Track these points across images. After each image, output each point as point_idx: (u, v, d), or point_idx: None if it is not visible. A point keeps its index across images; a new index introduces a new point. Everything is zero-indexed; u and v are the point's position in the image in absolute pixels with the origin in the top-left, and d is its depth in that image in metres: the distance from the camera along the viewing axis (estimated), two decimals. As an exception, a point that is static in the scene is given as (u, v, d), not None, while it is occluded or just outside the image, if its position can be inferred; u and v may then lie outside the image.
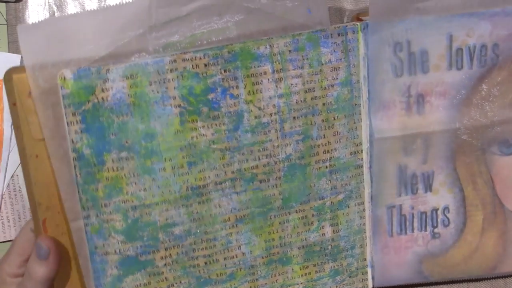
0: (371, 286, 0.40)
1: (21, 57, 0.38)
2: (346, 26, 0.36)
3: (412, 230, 0.39)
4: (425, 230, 0.39)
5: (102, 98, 0.32)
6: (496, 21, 0.36)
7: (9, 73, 0.32)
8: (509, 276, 0.42)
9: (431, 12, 0.35)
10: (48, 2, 0.42)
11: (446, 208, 0.39)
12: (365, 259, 0.39)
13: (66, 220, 0.34)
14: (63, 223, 0.34)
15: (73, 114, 0.33)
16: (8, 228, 0.42)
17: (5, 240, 0.42)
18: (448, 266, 0.40)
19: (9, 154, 0.43)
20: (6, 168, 0.42)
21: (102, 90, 0.32)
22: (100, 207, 0.33)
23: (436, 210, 0.39)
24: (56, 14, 0.41)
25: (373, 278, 0.39)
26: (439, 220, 0.39)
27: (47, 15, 0.41)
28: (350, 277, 0.39)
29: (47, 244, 0.34)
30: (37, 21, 0.32)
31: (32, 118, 0.32)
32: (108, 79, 0.32)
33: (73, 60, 0.32)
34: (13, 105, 0.32)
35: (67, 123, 0.32)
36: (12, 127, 0.34)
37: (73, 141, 0.32)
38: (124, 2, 0.33)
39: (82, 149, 0.32)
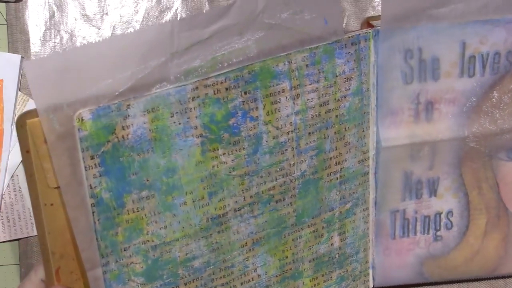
0: (372, 286, 0.62)
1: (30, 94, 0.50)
2: (359, 34, 0.53)
3: (415, 233, 0.60)
4: (428, 233, 0.60)
5: (123, 137, 0.46)
6: (510, 29, 0.55)
7: (23, 118, 0.43)
8: (509, 276, 0.66)
9: (444, 19, 0.53)
10: (48, 2, 0.58)
11: (450, 212, 0.60)
12: (367, 262, 0.61)
13: (81, 266, 0.47)
14: (77, 270, 0.48)
15: (91, 158, 0.45)
16: (8, 228, 0.60)
17: (5, 240, 0.60)
18: (449, 268, 0.61)
19: (9, 154, 0.64)
20: (6, 168, 0.63)
21: (123, 128, 0.46)
22: (120, 252, 0.48)
23: (440, 214, 0.60)
24: (56, 15, 0.52)
25: (373, 278, 0.61)
26: (442, 223, 0.60)
27: (47, 15, 0.52)
28: (354, 281, 0.61)
29: None
30: (45, 55, 0.46)
31: (47, 165, 0.44)
32: (128, 115, 0.46)
33: (91, 98, 0.44)
34: (26, 152, 0.44)
35: (85, 167, 0.45)
36: (25, 174, 0.48)
37: (91, 187, 0.46)
38: (144, 28, 0.49)
39: (101, 193, 0.46)
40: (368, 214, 0.59)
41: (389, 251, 0.62)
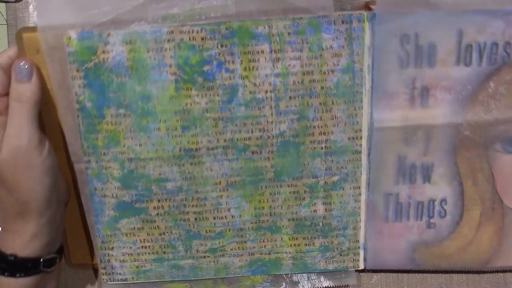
0: (363, 267, 0.64)
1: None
2: (351, 14, 0.55)
3: (408, 218, 0.61)
4: (421, 220, 0.62)
5: (103, 59, 0.56)
6: (509, 20, 0.54)
7: (20, 33, 0.56)
8: (504, 271, 0.66)
9: (442, 7, 0.53)
10: None
11: (443, 200, 0.61)
12: (357, 241, 0.63)
13: (70, 163, 0.61)
14: (67, 166, 0.62)
15: (77, 70, 0.56)
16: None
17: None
18: (441, 256, 0.63)
19: None
20: None
21: (103, 52, 0.55)
22: (100, 155, 0.59)
23: (434, 201, 0.61)
24: None
25: (365, 260, 0.63)
26: (435, 210, 0.61)
27: None
28: (340, 255, 0.63)
29: (29, 63, 0.55)
30: None
31: (40, 72, 0.57)
32: (109, 42, 0.55)
33: (78, 23, 0.55)
34: None
35: (72, 77, 0.56)
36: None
37: (76, 94, 0.57)
38: None
39: (84, 101, 0.57)
40: (360, 194, 0.62)
41: (382, 235, 0.63)
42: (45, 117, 0.60)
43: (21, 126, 0.55)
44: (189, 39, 0.55)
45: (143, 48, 0.56)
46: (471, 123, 0.59)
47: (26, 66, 0.56)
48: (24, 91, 0.56)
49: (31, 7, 0.66)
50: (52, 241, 0.60)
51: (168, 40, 0.55)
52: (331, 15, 0.56)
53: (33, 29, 0.57)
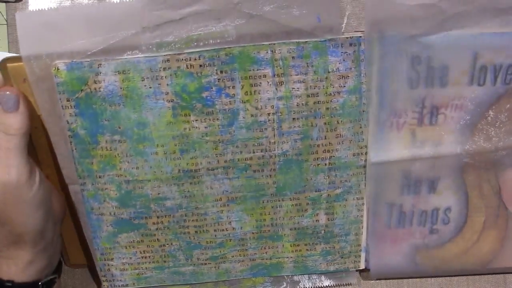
0: (363, 267, 0.65)
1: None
2: (360, 37, 0.52)
3: (411, 225, 0.62)
4: (424, 226, 0.62)
5: (95, 89, 0.53)
6: None
7: (4, 63, 0.53)
8: (504, 272, 0.67)
9: (457, 28, 0.52)
10: (48, 2, 0.60)
11: (448, 209, 0.61)
12: (359, 245, 0.63)
13: (64, 183, 0.59)
14: (59, 185, 0.60)
15: (67, 100, 0.53)
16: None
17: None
18: (443, 259, 0.63)
19: None
20: None
21: (95, 82, 0.52)
22: (95, 178, 0.57)
23: (438, 210, 0.61)
24: None
25: (366, 260, 0.64)
26: (439, 218, 0.61)
27: None
28: (342, 257, 0.64)
29: (15, 92, 0.52)
30: (35, 9, 0.56)
31: (27, 100, 0.54)
32: (100, 73, 0.52)
33: (67, 53, 0.52)
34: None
35: (62, 106, 0.53)
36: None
37: (68, 122, 0.54)
38: (117, 1, 0.56)
39: (76, 129, 0.54)
40: (363, 204, 0.61)
41: (384, 239, 0.64)
42: (36, 141, 0.58)
43: (9, 162, 0.53)
44: (187, 66, 0.53)
45: (137, 77, 0.53)
46: (481, 141, 0.59)
47: (12, 96, 0.53)
48: (11, 123, 0.53)
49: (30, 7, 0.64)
50: (49, 264, 0.59)
51: (164, 69, 0.53)
52: (339, 38, 0.53)
53: (18, 58, 0.54)
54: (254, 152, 0.57)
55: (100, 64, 0.53)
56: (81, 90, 0.53)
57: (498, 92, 0.57)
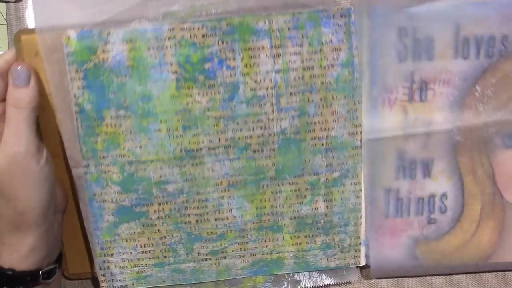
0: (364, 263, 0.65)
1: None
2: (350, 8, 0.56)
3: (408, 214, 0.63)
4: (422, 215, 0.63)
5: (103, 59, 0.56)
6: (506, 13, 0.56)
7: (18, 35, 0.57)
8: (504, 270, 0.67)
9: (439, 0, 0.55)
10: None
11: (444, 195, 0.62)
12: (358, 237, 0.64)
13: (68, 169, 0.61)
14: (64, 172, 0.62)
15: (76, 71, 0.56)
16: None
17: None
18: (443, 252, 0.64)
19: None
20: None
21: (103, 51, 0.56)
22: (99, 159, 0.59)
23: (434, 196, 0.62)
24: None
25: (366, 256, 0.64)
26: (436, 206, 0.62)
27: None
28: (342, 252, 0.64)
29: (27, 67, 0.54)
30: None
31: (38, 75, 0.57)
32: (109, 42, 0.56)
33: (77, 23, 0.55)
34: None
35: (70, 79, 0.56)
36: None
37: (75, 96, 0.57)
38: None
39: (83, 104, 0.57)
40: (360, 189, 0.63)
41: (383, 230, 0.64)
42: (43, 123, 0.60)
43: (18, 133, 0.55)
44: (190, 36, 0.56)
45: (143, 46, 0.57)
46: (471, 117, 0.61)
47: (24, 71, 0.56)
48: (22, 96, 0.55)
49: (30, 7, 0.66)
50: (50, 253, 0.60)
51: (169, 38, 0.56)
52: (330, 9, 0.57)
53: (32, 31, 0.58)
54: (253, 130, 0.59)
55: (109, 32, 0.56)
56: (90, 60, 0.57)
57: (483, 66, 0.60)
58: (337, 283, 0.68)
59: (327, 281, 0.68)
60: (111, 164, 0.60)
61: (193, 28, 0.56)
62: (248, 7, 0.56)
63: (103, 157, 0.59)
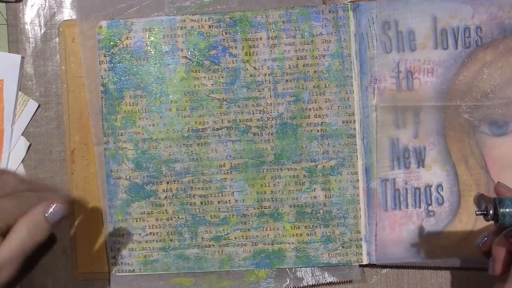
0: (367, 262, 0.67)
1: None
2: (337, 5, 0.64)
3: (407, 205, 0.65)
4: (419, 207, 0.65)
5: (126, 44, 0.66)
6: (477, 5, 0.61)
7: (61, 25, 0.68)
8: None
9: None
10: (48, 2, 0.71)
11: (439, 186, 0.65)
12: (359, 232, 0.67)
13: (91, 151, 0.70)
14: (88, 154, 0.70)
15: (104, 55, 0.66)
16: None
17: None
18: (444, 247, 0.65)
19: (9, 154, 0.72)
20: (6, 167, 0.70)
21: (127, 38, 0.66)
22: (117, 135, 0.67)
23: (430, 186, 0.65)
24: (57, 15, 0.72)
25: (368, 254, 0.67)
26: (433, 197, 0.65)
27: (48, 16, 0.72)
28: (343, 247, 0.67)
29: (63, 211, 0.51)
30: None
31: (73, 59, 0.68)
32: (132, 29, 0.66)
33: (109, 14, 0.66)
34: (62, 49, 0.69)
35: (100, 62, 0.66)
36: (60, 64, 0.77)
37: (102, 77, 0.67)
38: None
39: (108, 84, 0.67)
40: (357, 180, 0.67)
41: (383, 224, 0.67)
42: (71, 105, 0.72)
43: (12, 258, 0.51)
44: (199, 26, 0.66)
45: (159, 34, 0.67)
46: (456, 105, 0.65)
47: (60, 212, 0.53)
48: (43, 233, 0.53)
49: (31, 7, 0.74)
50: None
51: (181, 28, 0.67)
52: (319, 6, 0.66)
53: (70, 22, 0.70)
54: (253, 113, 0.67)
55: (132, 22, 0.67)
56: (116, 46, 0.68)
57: (462, 56, 0.65)
58: (339, 281, 0.70)
59: (330, 279, 0.70)
60: (127, 141, 0.68)
61: (201, 20, 0.68)
62: (248, 4, 0.67)
63: (121, 134, 0.68)
